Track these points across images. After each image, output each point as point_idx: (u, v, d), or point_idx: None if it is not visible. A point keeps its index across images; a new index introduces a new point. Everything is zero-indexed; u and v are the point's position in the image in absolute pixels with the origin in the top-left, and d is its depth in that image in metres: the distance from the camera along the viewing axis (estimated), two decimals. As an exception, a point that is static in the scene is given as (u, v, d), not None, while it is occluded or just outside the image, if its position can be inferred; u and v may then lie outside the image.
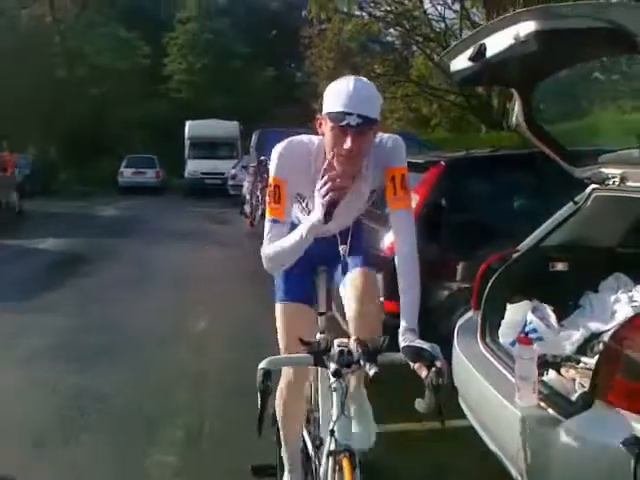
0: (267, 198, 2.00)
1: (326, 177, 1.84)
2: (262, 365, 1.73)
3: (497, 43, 2.37)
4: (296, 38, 22.33)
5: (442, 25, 19.61)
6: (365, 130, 1.82)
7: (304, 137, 2.08)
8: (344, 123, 1.78)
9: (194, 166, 21.25)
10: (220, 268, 8.52)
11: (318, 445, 2.32)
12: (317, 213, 1.86)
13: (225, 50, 33.07)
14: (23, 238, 10.86)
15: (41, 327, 5.49)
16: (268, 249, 1.99)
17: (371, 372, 1.68)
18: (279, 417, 2.45)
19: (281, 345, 2.32)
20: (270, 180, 2.00)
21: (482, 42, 2.46)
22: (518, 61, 2.45)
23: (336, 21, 19.65)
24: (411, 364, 1.72)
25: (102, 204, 17.77)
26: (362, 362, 1.72)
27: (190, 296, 6.73)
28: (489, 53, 2.44)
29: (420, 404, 1.69)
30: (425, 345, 1.73)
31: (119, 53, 29.95)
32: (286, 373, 2.33)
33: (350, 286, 2.29)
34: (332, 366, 1.72)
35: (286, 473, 2.47)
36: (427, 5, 19.67)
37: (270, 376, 1.70)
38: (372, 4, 19.98)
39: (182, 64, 33.47)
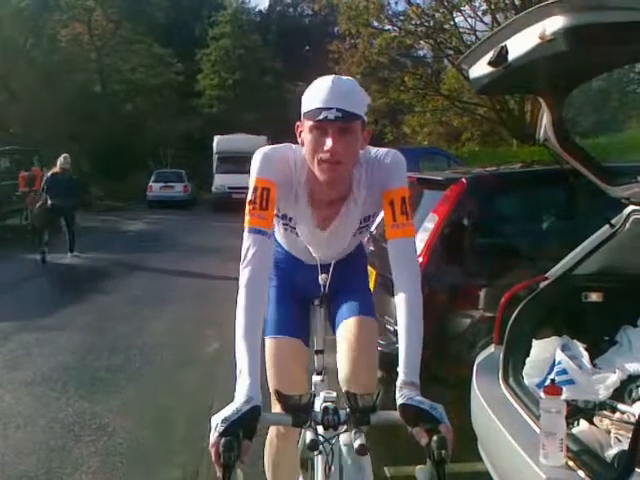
0: (247, 206, 1.65)
1: None
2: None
3: (521, 43, 2.00)
4: (327, 54, 22.25)
5: (473, 38, 19.23)
6: (347, 127, 1.57)
7: (290, 145, 1.80)
8: (321, 117, 1.54)
9: (221, 180, 21.21)
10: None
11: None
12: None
13: (257, 66, 33.35)
14: (47, 252, 10.76)
15: (50, 347, 5.33)
16: (245, 287, 1.57)
17: (356, 443, 1.36)
18: (268, 467, 2.18)
19: (270, 387, 2.05)
20: (253, 183, 1.67)
21: (504, 43, 2.14)
22: (546, 65, 2.07)
23: (365, 35, 19.50)
24: (409, 428, 1.37)
25: (131, 218, 17.92)
26: (349, 424, 1.42)
27: (208, 316, 6.45)
28: (511, 56, 2.09)
29: (421, 474, 1.37)
30: (426, 405, 1.37)
31: (153, 69, 30.49)
32: None
33: (343, 338, 2.05)
34: (309, 435, 1.38)
35: None
36: (458, 18, 19.40)
37: (239, 442, 1.29)
38: (402, 18, 19.79)
39: (214, 80, 33.81)
